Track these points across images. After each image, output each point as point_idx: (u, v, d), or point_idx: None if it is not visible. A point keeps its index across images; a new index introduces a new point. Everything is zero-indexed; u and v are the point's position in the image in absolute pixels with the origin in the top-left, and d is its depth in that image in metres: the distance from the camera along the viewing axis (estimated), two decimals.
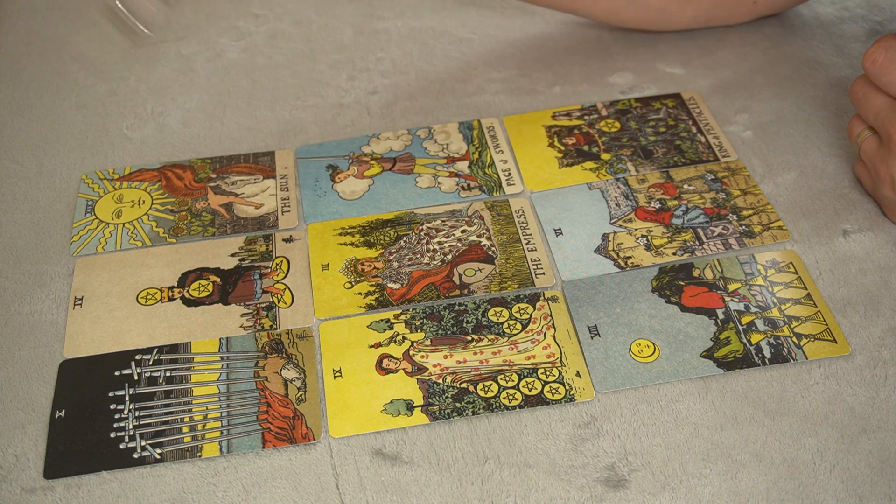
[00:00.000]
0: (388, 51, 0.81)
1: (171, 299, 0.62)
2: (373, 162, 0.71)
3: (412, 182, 0.69)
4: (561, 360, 0.57)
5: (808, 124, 0.72)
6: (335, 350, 0.58)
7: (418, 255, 0.63)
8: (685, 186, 0.67)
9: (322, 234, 0.65)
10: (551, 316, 0.59)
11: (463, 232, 0.65)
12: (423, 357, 0.58)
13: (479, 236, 0.65)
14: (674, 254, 0.63)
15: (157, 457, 0.53)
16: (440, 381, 0.56)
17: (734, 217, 0.65)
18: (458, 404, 0.55)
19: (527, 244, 0.64)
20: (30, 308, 0.62)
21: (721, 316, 0.59)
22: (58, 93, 0.79)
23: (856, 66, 0.77)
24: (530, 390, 0.56)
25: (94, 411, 0.56)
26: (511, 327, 0.59)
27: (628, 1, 0.75)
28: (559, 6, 0.77)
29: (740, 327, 0.58)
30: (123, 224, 0.67)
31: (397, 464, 0.53)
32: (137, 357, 0.58)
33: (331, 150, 0.72)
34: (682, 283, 0.61)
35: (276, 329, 0.60)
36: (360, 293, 0.61)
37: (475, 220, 0.66)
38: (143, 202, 0.68)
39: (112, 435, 0.54)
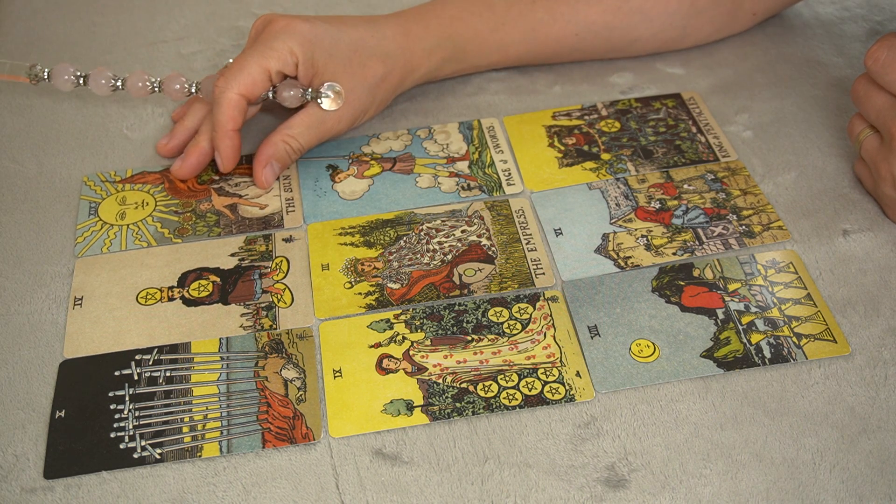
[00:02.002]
0: None
1: (170, 299, 0.62)
2: (373, 162, 0.71)
3: (412, 182, 0.69)
4: (561, 360, 0.57)
5: (808, 124, 0.72)
6: (335, 350, 0.58)
7: (418, 255, 0.63)
8: (685, 186, 0.67)
9: (322, 234, 0.65)
10: (551, 316, 0.59)
11: (463, 232, 0.65)
12: (423, 357, 0.58)
13: (479, 236, 0.65)
14: (674, 254, 0.63)
15: (157, 457, 0.53)
16: (440, 381, 0.56)
17: (734, 217, 0.65)
18: (458, 404, 0.55)
19: (527, 244, 0.64)
20: (30, 308, 0.62)
21: (721, 316, 0.59)
22: (58, 93, 0.79)
23: (856, 65, 0.77)
24: (530, 390, 0.56)
25: (94, 411, 0.56)
26: (511, 327, 0.59)
27: (624, 52, 0.77)
28: (559, 62, 0.78)
29: (740, 327, 0.58)
30: (128, 225, 0.67)
31: (397, 464, 0.53)
32: (137, 357, 0.58)
33: (331, 150, 0.72)
34: (682, 283, 0.61)
35: (276, 329, 0.60)
36: (360, 293, 0.61)
37: (475, 220, 0.66)
38: (147, 204, 0.68)
39: (112, 435, 0.54)
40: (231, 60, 0.68)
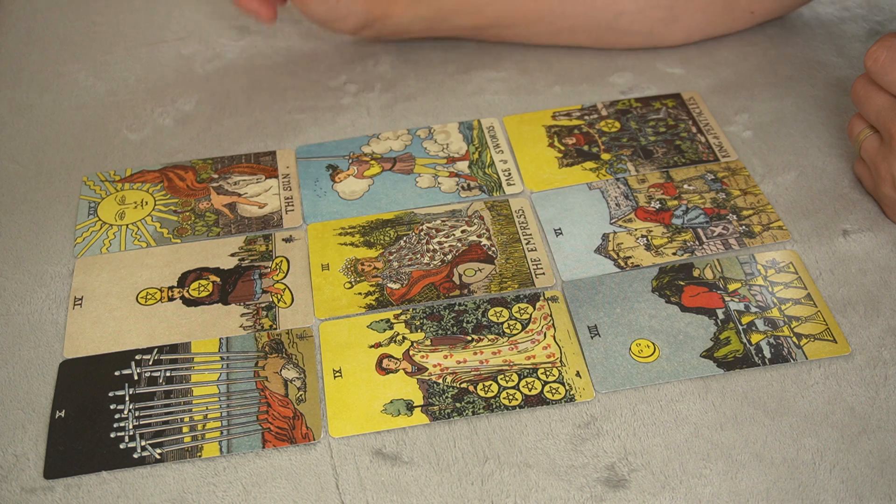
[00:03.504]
0: (389, 51, 0.81)
1: (170, 299, 0.62)
2: (373, 162, 0.71)
3: (412, 182, 0.69)
4: (561, 360, 0.57)
5: (808, 124, 0.72)
6: (335, 350, 0.58)
7: (418, 255, 0.63)
8: (685, 186, 0.67)
9: (322, 234, 0.65)
10: (551, 316, 0.59)
11: (463, 232, 0.65)
12: (423, 357, 0.58)
13: (479, 236, 0.65)
14: (674, 254, 0.63)
15: (157, 457, 0.53)
16: (440, 381, 0.56)
17: (734, 217, 0.65)
18: (458, 404, 0.55)
19: (527, 244, 0.64)
20: (30, 308, 0.62)
21: (721, 316, 0.59)
22: (58, 93, 0.79)
23: (856, 66, 0.77)
24: (530, 390, 0.56)
25: (94, 411, 0.56)
26: (511, 327, 0.59)
27: (609, 28, 0.76)
28: (540, 41, 0.78)
29: (740, 327, 0.58)
30: (127, 225, 0.67)
31: (397, 464, 0.53)
32: (137, 357, 0.58)
33: (331, 150, 0.72)
34: (682, 283, 0.61)
35: (276, 329, 0.60)
36: (360, 293, 0.61)
37: (475, 220, 0.66)
38: (146, 203, 0.68)
39: (112, 435, 0.54)
40: None
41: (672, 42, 0.78)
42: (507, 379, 0.56)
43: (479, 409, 0.55)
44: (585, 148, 0.71)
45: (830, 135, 0.71)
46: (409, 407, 0.55)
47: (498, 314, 0.60)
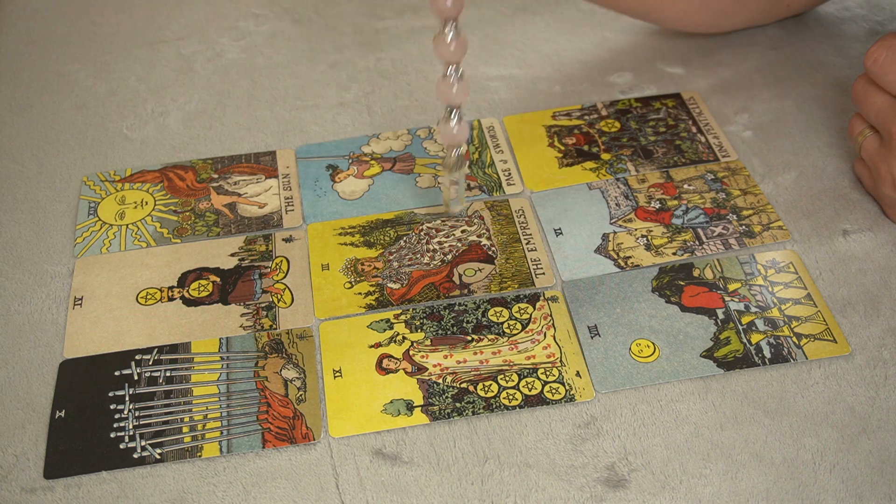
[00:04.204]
0: (388, 51, 0.81)
1: (170, 299, 0.62)
2: (373, 162, 0.71)
3: (412, 182, 0.69)
4: (561, 360, 0.57)
5: (808, 124, 0.72)
6: (335, 350, 0.58)
7: (418, 255, 0.63)
8: (685, 186, 0.67)
9: (322, 233, 0.65)
10: (551, 316, 0.59)
11: (463, 232, 0.65)
12: (423, 357, 0.58)
13: (479, 236, 0.65)
14: (674, 254, 0.63)
15: (157, 457, 0.53)
16: (440, 381, 0.56)
17: (734, 217, 0.65)
18: (458, 404, 0.55)
19: (527, 244, 0.64)
20: (30, 308, 0.62)
21: (721, 316, 0.59)
22: (58, 93, 0.79)
23: (856, 66, 0.77)
24: (530, 390, 0.56)
25: (94, 411, 0.56)
26: (511, 327, 0.59)
27: (701, 4, 0.75)
28: (629, 11, 0.77)
29: (740, 327, 0.58)
30: (127, 225, 0.67)
31: (397, 464, 0.53)
32: (137, 357, 0.58)
33: (331, 150, 0.72)
34: (682, 283, 0.61)
35: (276, 329, 0.60)
36: (360, 293, 0.61)
37: (475, 220, 0.66)
38: (146, 203, 0.68)
39: (112, 435, 0.54)
40: None
41: (731, 27, 0.78)
42: (507, 379, 0.56)
43: (479, 409, 0.55)
44: (585, 148, 0.71)
45: (830, 135, 0.71)
46: (409, 407, 0.55)
47: (498, 314, 0.60)
